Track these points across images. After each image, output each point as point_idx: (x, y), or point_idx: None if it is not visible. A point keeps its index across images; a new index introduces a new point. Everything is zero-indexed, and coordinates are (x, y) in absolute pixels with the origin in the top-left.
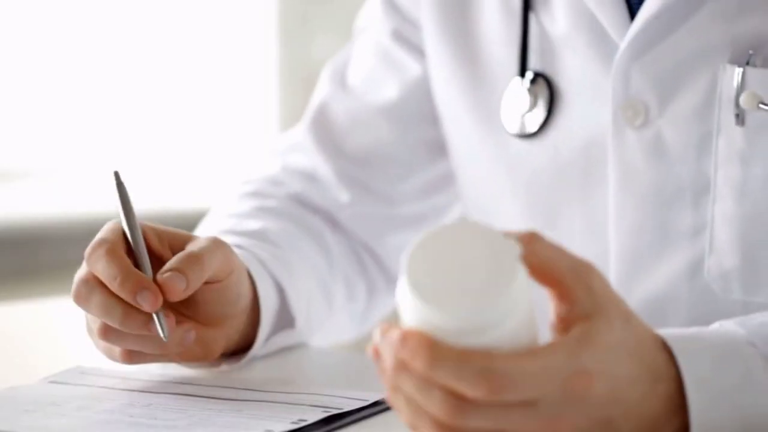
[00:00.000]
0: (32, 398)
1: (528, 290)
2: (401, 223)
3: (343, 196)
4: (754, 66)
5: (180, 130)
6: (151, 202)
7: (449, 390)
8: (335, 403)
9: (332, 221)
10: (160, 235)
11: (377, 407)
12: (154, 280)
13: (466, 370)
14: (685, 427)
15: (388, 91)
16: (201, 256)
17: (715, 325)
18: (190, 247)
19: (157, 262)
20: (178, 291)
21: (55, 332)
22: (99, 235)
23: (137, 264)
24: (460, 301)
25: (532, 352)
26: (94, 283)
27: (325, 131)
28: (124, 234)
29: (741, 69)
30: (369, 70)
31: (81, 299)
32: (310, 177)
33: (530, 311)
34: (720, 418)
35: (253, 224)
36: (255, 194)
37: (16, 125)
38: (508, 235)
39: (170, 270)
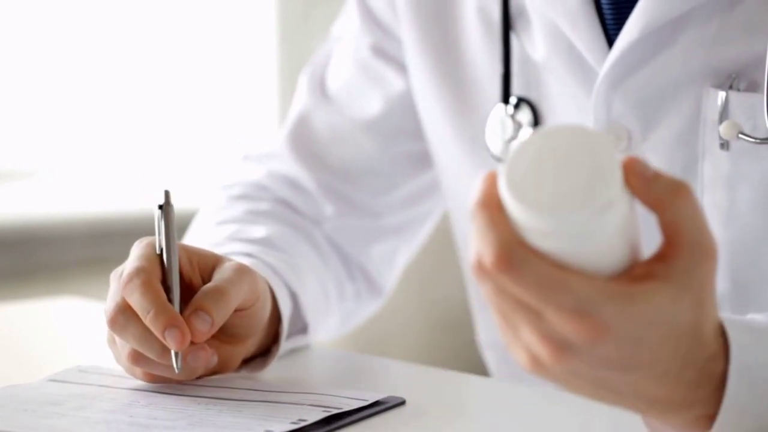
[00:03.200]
0: (32, 397)
1: (628, 217)
2: (384, 234)
3: (327, 208)
4: (738, 90)
5: (179, 130)
6: (148, 202)
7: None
8: (335, 403)
9: (319, 226)
10: (191, 257)
11: (377, 407)
12: (182, 312)
13: (489, 232)
14: (707, 416)
15: (371, 105)
16: (227, 291)
17: (749, 317)
18: (217, 277)
19: (186, 285)
20: (204, 332)
21: (55, 331)
22: (135, 263)
23: (169, 295)
24: (549, 201)
25: (568, 275)
26: (130, 313)
27: (305, 144)
28: (160, 259)
29: (724, 93)
30: (350, 83)
31: (117, 327)
32: (294, 185)
33: (627, 235)
34: (753, 406)
35: (257, 230)
36: (244, 197)
37: (15, 126)
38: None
39: (196, 308)
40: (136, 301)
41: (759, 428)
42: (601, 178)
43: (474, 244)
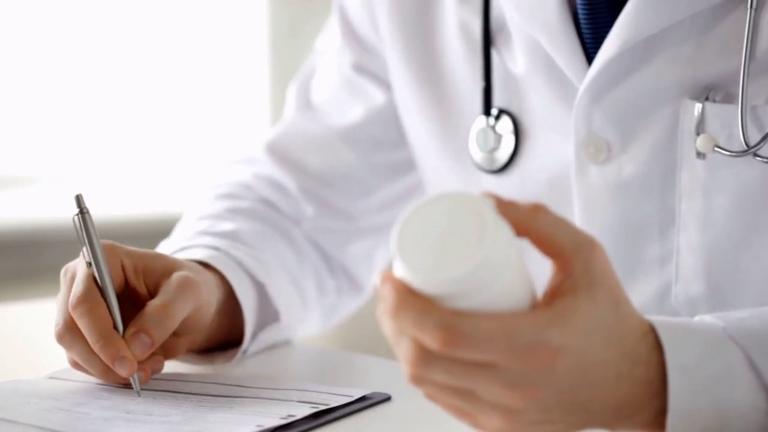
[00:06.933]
0: (33, 391)
1: (516, 261)
2: (362, 234)
3: (307, 209)
4: (714, 101)
5: (177, 138)
6: (147, 206)
7: (416, 340)
8: (322, 399)
9: (299, 225)
10: (136, 263)
11: (363, 403)
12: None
13: (426, 320)
14: (664, 411)
15: (352, 115)
16: (171, 311)
17: (696, 319)
18: (163, 292)
19: (131, 292)
20: (144, 353)
21: None
22: (82, 285)
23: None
24: (439, 267)
25: (497, 315)
26: (77, 333)
27: (285, 150)
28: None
29: (701, 104)
30: (332, 95)
31: (64, 343)
32: (276, 186)
33: (520, 280)
34: (698, 407)
35: (227, 225)
36: (227, 196)
37: (20, 134)
38: (507, 206)
39: (138, 330)
40: (85, 329)
41: (716, 405)
42: (481, 225)
43: (408, 345)
